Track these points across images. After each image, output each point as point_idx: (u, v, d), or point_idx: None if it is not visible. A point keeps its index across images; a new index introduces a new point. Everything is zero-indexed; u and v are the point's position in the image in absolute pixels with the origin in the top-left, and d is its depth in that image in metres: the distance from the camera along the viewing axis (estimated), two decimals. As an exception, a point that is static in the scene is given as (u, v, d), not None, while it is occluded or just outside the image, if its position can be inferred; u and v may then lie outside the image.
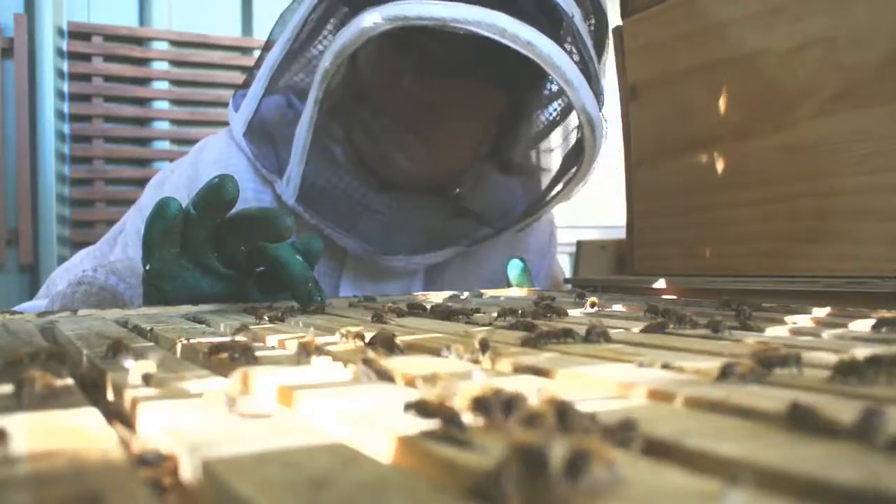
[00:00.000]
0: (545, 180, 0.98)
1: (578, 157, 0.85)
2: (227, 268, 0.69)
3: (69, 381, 0.30)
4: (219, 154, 0.93)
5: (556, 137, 0.98)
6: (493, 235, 0.96)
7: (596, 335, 0.39)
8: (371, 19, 0.72)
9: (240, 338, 0.39)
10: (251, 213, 0.67)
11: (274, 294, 0.72)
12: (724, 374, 0.28)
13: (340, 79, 0.84)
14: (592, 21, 0.86)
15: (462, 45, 0.75)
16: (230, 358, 0.34)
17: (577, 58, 0.79)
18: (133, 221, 0.96)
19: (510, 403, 0.21)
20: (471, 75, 0.84)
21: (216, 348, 0.35)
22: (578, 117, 0.79)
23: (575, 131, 0.86)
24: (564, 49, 0.76)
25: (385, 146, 0.89)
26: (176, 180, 0.96)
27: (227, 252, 0.68)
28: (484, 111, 0.90)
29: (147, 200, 0.98)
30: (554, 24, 0.80)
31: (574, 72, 0.75)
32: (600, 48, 0.88)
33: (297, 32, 0.85)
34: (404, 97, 0.85)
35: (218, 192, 0.64)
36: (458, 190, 0.98)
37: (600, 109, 0.80)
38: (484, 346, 0.34)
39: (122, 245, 0.95)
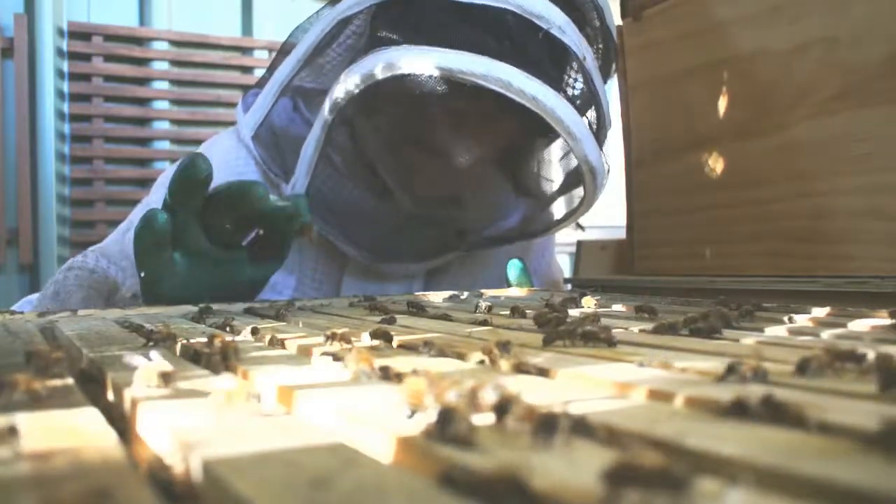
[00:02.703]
0: (547, 199, 0.97)
1: (579, 182, 0.85)
2: (216, 247, 0.70)
3: (69, 380, 0.30)
4: (226, 155, 0.93)
5: (559, 165, 0.97)
6: (491, 246, 0.96)
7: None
8: (379, 65, 0.72)
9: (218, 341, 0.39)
10: (224, 190, 0.69)
11: (266, 265, 0.74)
12: (728, 374, 0.28)
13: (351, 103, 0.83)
14: (600, 46, 0.86)
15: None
16: (214, 359, 0.33)
17: (587, 102, 0.79)
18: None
19: (504, 404, 0.21)
20: (484, 104, 0.81)
21: (198, 351, 0.35)
22: (580, 166, 0.79)
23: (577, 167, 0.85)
24: (570, 96, 0.75)
25: (396, 163, 0.88)
26: None
27: (213, 232, 0.70)
28: (497, 132, 0.89)
29: (155, 199, 0.98)
30: (563, 65, 0.80)
31: (578, 125, 0.75)
32: (606, 71, 0.88)
33: (310, 52, 0.84)
34: (416, 119, 0.85)
35: (190, 171, 0.65)
36: (460, 200, 0.98)
37: (602, 147, 0.80)
38: (502, 347, 0.33)
39: (129, 242, 0.95)
